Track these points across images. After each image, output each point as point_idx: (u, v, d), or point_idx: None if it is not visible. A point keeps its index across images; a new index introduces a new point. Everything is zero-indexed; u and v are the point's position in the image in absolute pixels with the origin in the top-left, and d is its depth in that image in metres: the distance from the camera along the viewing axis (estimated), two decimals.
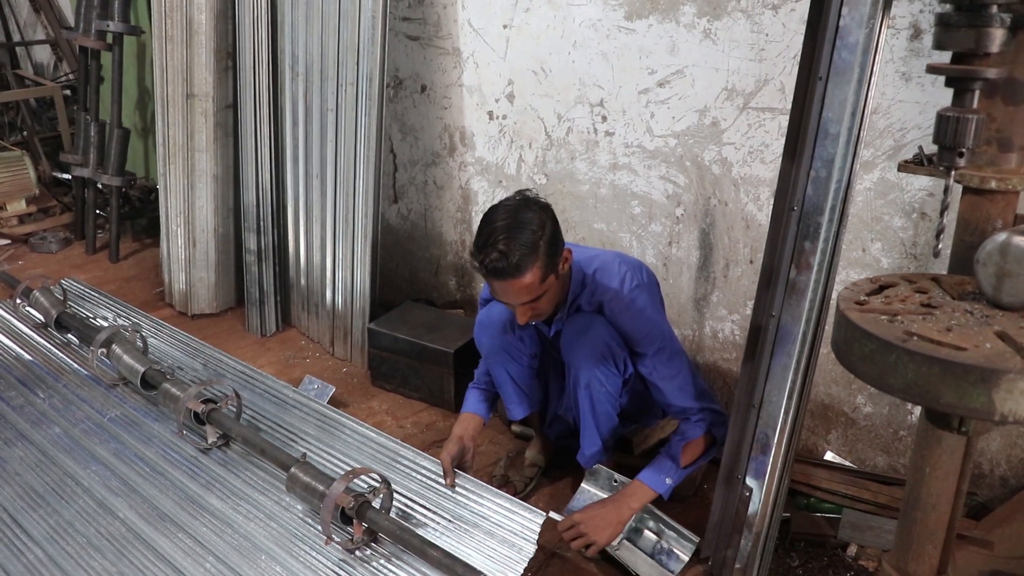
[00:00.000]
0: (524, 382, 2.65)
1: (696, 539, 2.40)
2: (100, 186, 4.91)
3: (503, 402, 2.71)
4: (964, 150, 1.52)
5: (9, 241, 5.10)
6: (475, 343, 2.68)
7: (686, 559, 2.39)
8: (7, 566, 2.31)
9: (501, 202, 2.27)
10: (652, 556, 2.41)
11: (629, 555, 2.40)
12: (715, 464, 2.44)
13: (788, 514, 2.50)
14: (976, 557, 2.25)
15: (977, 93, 1.53)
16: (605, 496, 2.51)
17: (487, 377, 2.71)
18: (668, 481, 2.41)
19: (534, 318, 2.36)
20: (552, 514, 2.37)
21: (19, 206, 5.22)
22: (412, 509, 2.48)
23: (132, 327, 3.40)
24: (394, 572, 2.27)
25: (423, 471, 2.60)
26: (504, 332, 2.57)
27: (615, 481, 2.53)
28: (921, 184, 2.41)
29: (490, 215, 2.23)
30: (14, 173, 5.13)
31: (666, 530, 2.43)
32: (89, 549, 2.38)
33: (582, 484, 2.61)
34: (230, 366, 3.33)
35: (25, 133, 5.91)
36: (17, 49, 6.72)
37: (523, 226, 2.17)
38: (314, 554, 2.34)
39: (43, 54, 6.74)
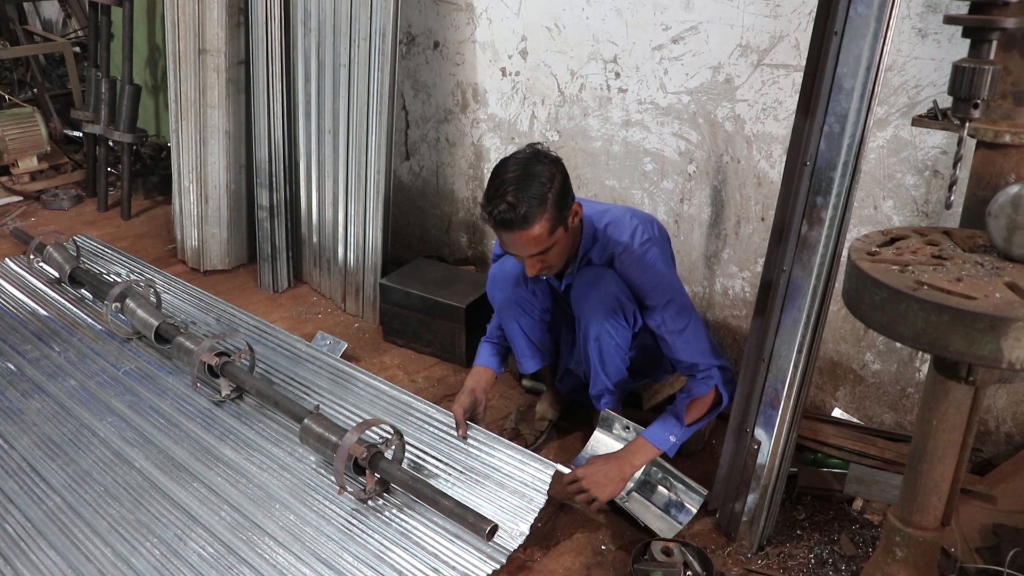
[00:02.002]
0: (536, 336, 2.67)
1: (704, 492, 2.43)
2: (111, 143, 4.92)
3: (515, 355, 2.73)
4: (979, 101, 1.52)
5: (21, 198, 5.12)
6: (488, 297, 2.69)
7: (694, 511, 2.42)
8: (28, 513, 2.37)
9: (512, 155, 2.27)
10: (661, 508, 2.44)
11: (638, 507, 2.44)
12: (723, 419, 2.46)
13: (795, 469, 2.53)
14: (979, 511, 2.28)
15: (994, 44, 1.52)
16: (618, 444, 2.54)
17: (499, 332, 2.73)
18: (672, 439, 2.43)
19: (544, 271, 2.37)
20: (560, 467, 2.40)
21: (31, 163, 5.24)
22: (424, 460, 2.51)
23: (146, 282, 3.43)
24: (406, 521, 2.31)
25: (435, 423, 2.64)
26: (516, 286, 2.59)
27: (627, 427, 2.56)
28: (934, 142, 2.40)
29: (500, 167, 2.24)
30: (25, 130, 5.14)
31: (675, 483, 2.46)
32: (107, 497, 2.43)
33: (595, 431, 2.64)
34: (243, 321, 3.36)
35: (35, 90, 5.89)
36: (25, 4, 6.68)
37: (533, 178, 2.18)
38: (327, 503, 2.39)
39: (51, 10, 6.71)
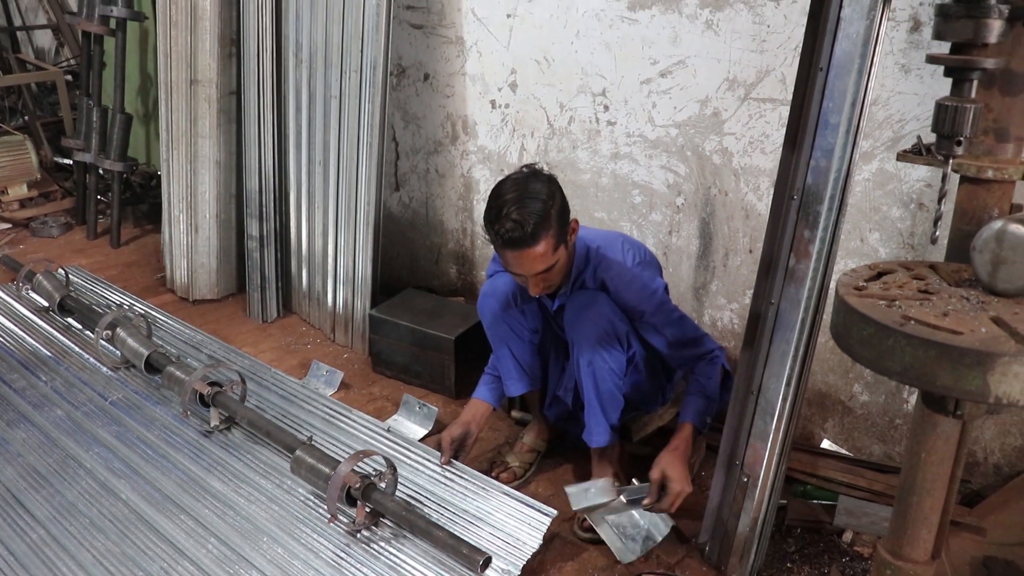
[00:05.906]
0: (524, 358, 2.68)
1: (671, 523, 2.43)
2: (102, 171, 4.92)
3: (502, 377, 2.73)
4: (962, 139, 1.54)
5: (10, 225, 5.10)
6: (478, 313, 2.71)
7: (658, 539, 2.42)
8: (11, 545, 2.34)
9: (508, 176, 2.32)
10: (630, 533, 2.43)
11: (608, 531, 2.43)
12: (712, 451, 2.46)
13: (785, 501, 2.53)
14: (969, 543, 2.28)
15: (975, 83, 1.55)
16: (419, 426, 2.97)
17: None
18: (708, 420, 2.51)
19: (546, 290, 2.39)
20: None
21: (20, 190, 5.23)
22: (418, 503, 2.50)
23: (139, 315, 3.42)
24: (395, 554, 2.29)
25: (430, 467, 2.63)
26: (506, 304, 2.61)
27: (420, 406, 2.99)
28: (919, 175, 2.43)
29: (499, 188, 2.28)
30: (16, 157, 5.14)
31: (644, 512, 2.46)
32: (92, 530, 2.41)
33: (397, 414, 3.07)
34: (235, 359, 3.34)
35: (26, 117, 5.90)
36: (18, 33, 6.70)
37: (533, 196, 2.22)
38: (316, 536, 2.37)
39: (44, 39, 6.73)
